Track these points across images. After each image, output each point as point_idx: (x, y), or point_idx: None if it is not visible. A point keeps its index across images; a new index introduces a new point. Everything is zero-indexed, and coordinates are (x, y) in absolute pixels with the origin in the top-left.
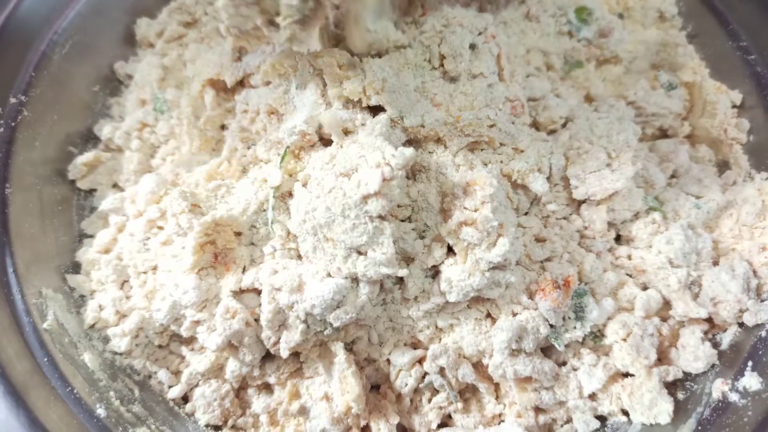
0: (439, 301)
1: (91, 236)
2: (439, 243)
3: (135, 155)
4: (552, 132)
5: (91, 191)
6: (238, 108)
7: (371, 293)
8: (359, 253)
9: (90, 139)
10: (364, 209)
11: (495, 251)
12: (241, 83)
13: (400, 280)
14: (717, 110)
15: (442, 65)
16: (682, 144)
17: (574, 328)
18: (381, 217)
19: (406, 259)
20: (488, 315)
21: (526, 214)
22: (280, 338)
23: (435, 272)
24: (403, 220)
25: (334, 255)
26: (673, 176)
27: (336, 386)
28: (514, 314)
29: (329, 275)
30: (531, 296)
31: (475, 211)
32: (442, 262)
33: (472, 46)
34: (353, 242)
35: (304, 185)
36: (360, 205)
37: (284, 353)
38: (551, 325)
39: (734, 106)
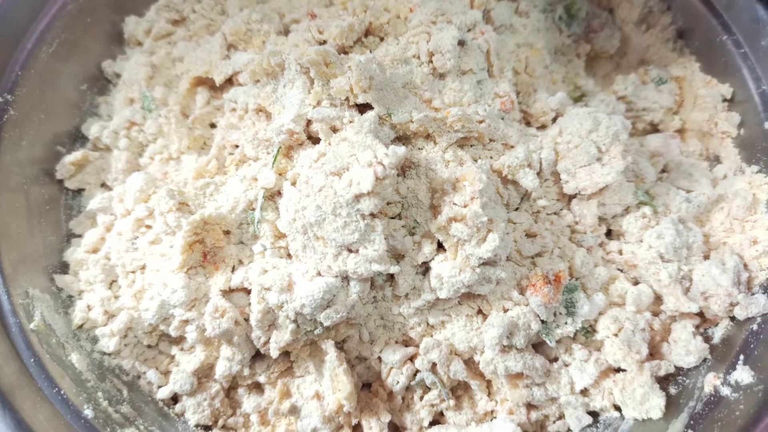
0: (430, 298)
1: (79, 236)
2: (429, 239)
3: (123, 154)
4: (542, 127)
5: (79, 191)
6: (226, 106)
7: (362, 291)
8: (350, 250)
9: (78, 138)
10: (356, 208)
11: (485, 247)
12: (230, 81)
13: (391, 278)
14: (707, 104)
15: (431, 61)
16: (673, 138)
17: (565, 323)
18: (372, 215)
19: (396, 256)
20: (479, 311)
21: (516, 209)
22: (270, 338)
23: (425, 269)
24: (392, 217)
25: (324, 253)
26: (663, 170)
27: (327, 384)
28: (505, 310)
29: (319, 274)
30: (522, 292)
31: (465, 206)
32: (432, 259)
33: (461, 42)
34: (344, 240)
35: (293, 184)
36: (352, 204)
37: (274, 353)
38: (542, 321)
39: (725, 100)
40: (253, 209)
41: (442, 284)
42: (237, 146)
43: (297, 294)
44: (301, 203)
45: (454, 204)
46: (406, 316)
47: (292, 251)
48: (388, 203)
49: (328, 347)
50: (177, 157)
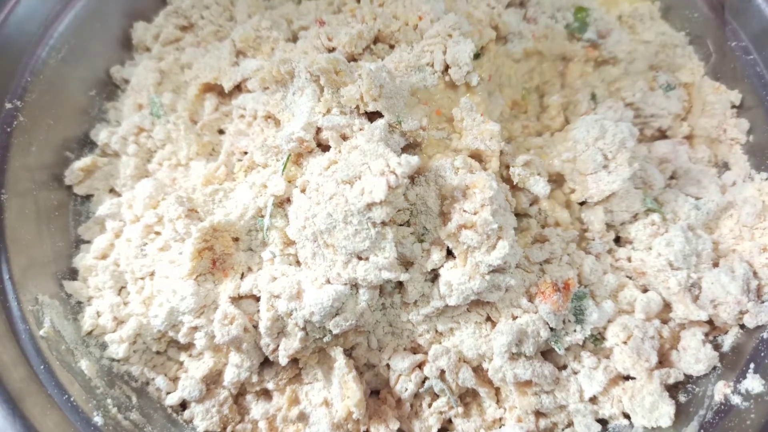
0: (439, 305)
1: (88, 242)
2: (439, 246)
3: (132, 160)
4: (552, 134)
5: (87, 196)
6: (235, 113)
7: (371, 299)
8: (359, 258)
9: (86, 144)
10: (368, 216)
11: (495, 254)
12: (238, 88)
13: (400, 285)
14: (716, 110)
15: (444, 72)
16: (681, 144)
17: (574, 331)
18: (383, 223)
19: (405, 264)
20: (488, 318)
21: (525, 215)
22: (279, 345)
23: (434, 276)
24: (401, 224)
25: (333, 261)
26: (672, 177)
27: (336, 391)
28: (514, 317)
29: (328, 281)
30: (531, 299)
31: (475, 213)
32: (442, 266)
33: (477, 55)
34: (355, 248)
35: (303, 191)
36: (363, 212)
37: (283, 360)
38: (551, 329)
39: (734, 107)
40: (263, 216)
41: (452, 291)
42: (245, 153)
43: (306, 302)
44: (312, 211)
45: (464, 211)
46: (414, 323)
47: (301, 258)
48: (398, 210)
49: (337, 354)
50: (185, 163)
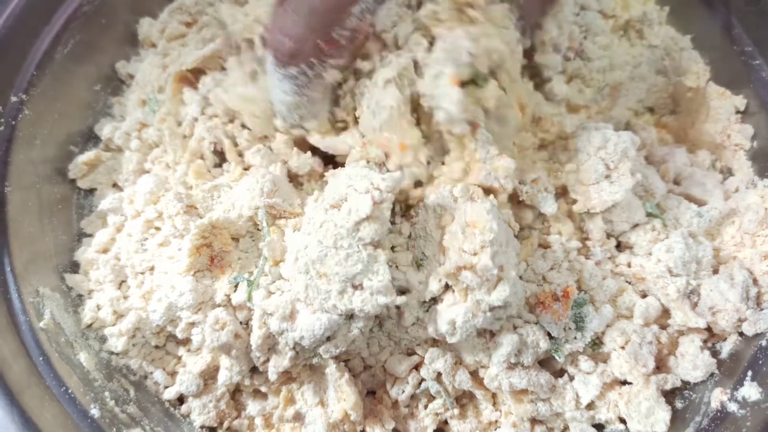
0: (435, 336)
1: (90, 235)
2: (437, 277)
3: (134, 155)
4: (551, 143)
5: (90, 190)
6: (202, 90)
7: (365, 327)
8: (354, 287)
9: (91, 138)
10: (357, 237)
11: (495, 295)
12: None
13: (396, 308)
14: (720, 116)
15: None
16: (678, 147)
17: (575, 338)
18: (374, 245)
19: (403, 291)
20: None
21: (529, 227)
22: (269, 359)
23: (432, 302)
24: (397, 251)
25: (328, 292)
26: (676, 182)
27: (332, 395)
28: (515, 327)
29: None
30: (531, 309)
31: (474, 254)
32: (441, 296)
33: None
34: (348, 272)
35: (296, 230)
36: (353, 234)
37: (272, 376)
38: (552, 337)
39: (738, 112)
40: (259, 229)
41: (455, 330)
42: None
43: (298, 324)
44: (303, 242)
45: (464, 252)
46: (412, 336)
47: (294, 294)
48: (390, 232)
49: (328, 362)
50: (173, 167)
